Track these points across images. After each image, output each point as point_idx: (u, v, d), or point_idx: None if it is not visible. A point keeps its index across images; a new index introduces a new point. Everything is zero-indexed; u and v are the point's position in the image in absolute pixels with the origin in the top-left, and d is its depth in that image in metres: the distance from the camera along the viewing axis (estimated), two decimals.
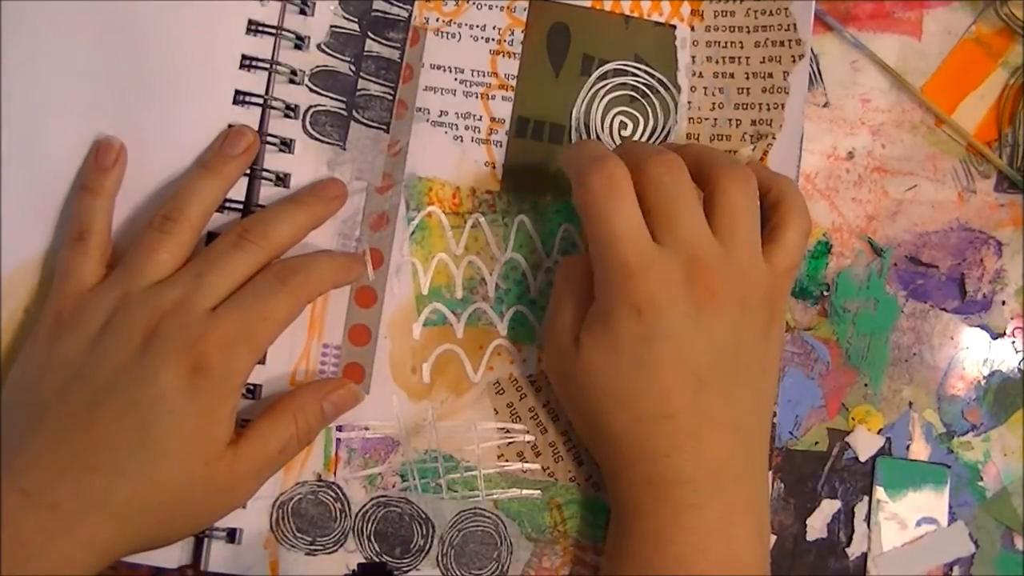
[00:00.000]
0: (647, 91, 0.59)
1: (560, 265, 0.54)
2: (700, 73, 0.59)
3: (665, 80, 0.59)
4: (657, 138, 0.59)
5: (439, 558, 0.55)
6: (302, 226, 0.55)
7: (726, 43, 0.59)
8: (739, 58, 0.59)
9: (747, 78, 0.59)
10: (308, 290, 0.53)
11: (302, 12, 0.58)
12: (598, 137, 0.59)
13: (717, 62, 0.59)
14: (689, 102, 0.59)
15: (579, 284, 0.52)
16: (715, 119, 0.59)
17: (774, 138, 0.58)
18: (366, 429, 0.56)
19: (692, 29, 0.59)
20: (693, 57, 0.59)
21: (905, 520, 0.57)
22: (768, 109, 0.58)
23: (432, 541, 0.56)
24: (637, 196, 0.50)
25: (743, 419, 0.51)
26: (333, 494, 0.56)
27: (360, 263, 0.57)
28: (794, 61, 0.58)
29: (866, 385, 0.58)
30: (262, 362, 0.56)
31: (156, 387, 0.48)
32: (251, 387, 0.56)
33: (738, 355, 0.50)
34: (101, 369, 0.49)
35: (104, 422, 0.48)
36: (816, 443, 0.58)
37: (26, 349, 0.52)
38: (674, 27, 0.59)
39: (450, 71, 0.59)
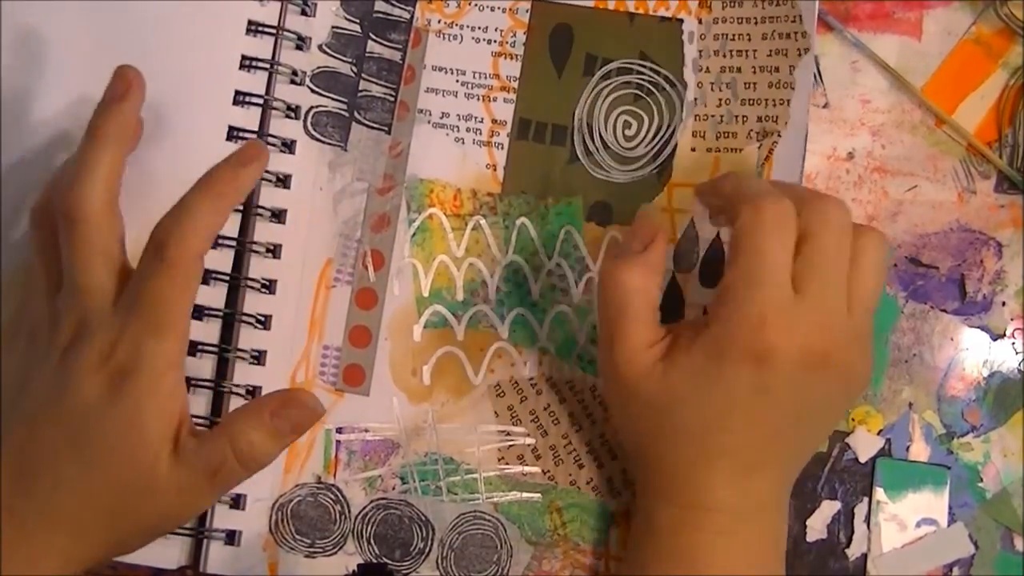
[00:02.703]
0: (652, 89, 0.58)
1: (619, 272, 0.50)
2: (707, 68, 0.58)
3: (671, 76, 0.58)
4: (661, 137, 0.57)
5: (439, 561, 0.54)
6: (217, 223, 0.48)
7: (734, 35, 0.58)
8: (746, 51, 0.58)
9: (754, 72, 0.58)
10: (186, 252, 0.47)
11: (303, 13, 0.57)
12: (601, 137, 0.57)
13: (724, 55, 0.58)
14: (695, 98, 0.58)
15: (646, 298, 0.50)
16: (721, 116, 0.57)
17: (779, 136, 0.56)
18: (366, 431, 0.55)
19: (699, 22, 0.58)
20: (700, 51, 0.58)
21: (905, 521, 0.56)
22: (774, 105, 0.57)
23: (432, 544, 0.55)
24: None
25: (793, 462, 0.51)
26: (333, 496, 0.55)
27: (236, 165, 0.49)
28: (800, 54, 0.56)
29: None
30: (262, 364, 0.55)
31: (78, 398, 0.46)
32: (251, 388, 0.54)
33: (822, 413, 0.51)
34: (35, 382, 0.47)
35: (42, 433, 0.46)
36: None
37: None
38: (681, 21, 0.58)
39: (452, 73, 0.58)
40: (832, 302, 0.48)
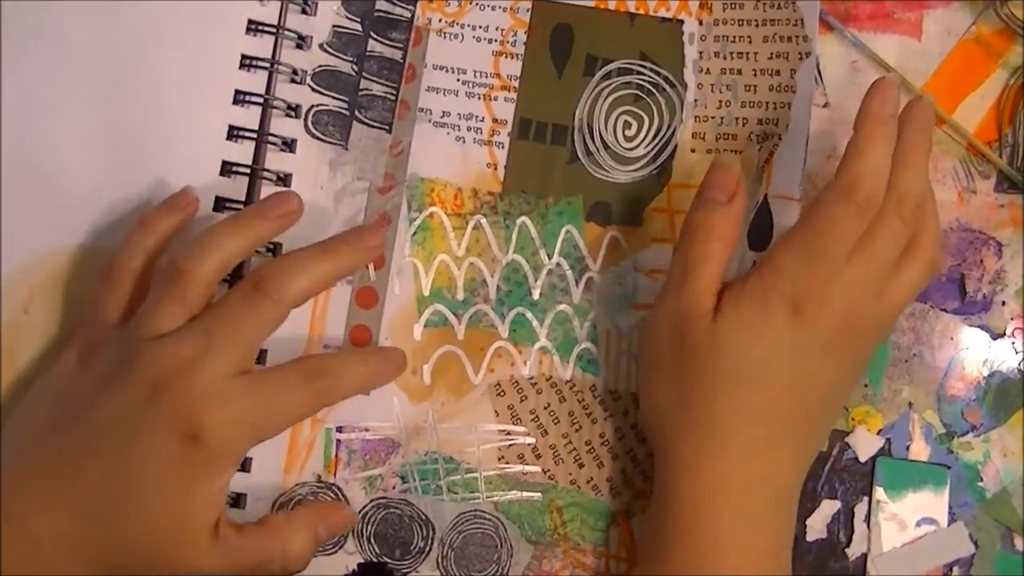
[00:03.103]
0: (652, 89, 0.58)
1: (708, 219, 0.51)
2: (707, 69, 0.57)
3: (671, 77, 0.57)
4: (662, 138, 0.57)
5: (439, 560, 0.54)
6: (325, 279, 0.50)
7: (734, 37, 0.57)
8: (747, 53, 0.57)
9: (755, 75, 0.57)
10: (332, 396, 0.50)
11: (304, 12, 0.57)
12: (602, 137, 0.57)
13: (725, 57, 0.57)
14: (696, 100, 0.57)
15: (727, 244, 0.51)
16: (721, 118, 0.57)
17: (780, 139, 0.56)
18: (366, 430, 0.55)
19: (700, 23, 0.58)
20: (700, 53, 0.57)
21: (905, 520, 0.55)
22: (775, 108, 0.57)
23: (432, 543, 0.54)
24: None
25: (813, 448, 0.52)
26: (333, 495, 0.55)
27: (395, 365, 0.54)
28: (801, 58, 0.56)
29: (866, 385, 0.56)
30: (261, 362, 0.54)
31: (149, 445, 0.45)
32: None
33: (834, 396, 0.51)
34: (101, 412, 0.46)
35: (91, 467, 0.45)
36: None
37: (51, 371, 0.50)
38: (681, 22, 0.58)
39: (453, 72, 0.58)
40: (872, 284, 0.49)
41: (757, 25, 0.57)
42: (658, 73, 0.57)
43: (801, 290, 0.48)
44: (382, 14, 0.57)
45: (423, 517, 0.54)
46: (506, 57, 0.57)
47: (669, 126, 0.57)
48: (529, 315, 0.56)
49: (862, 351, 0.50)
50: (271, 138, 0.55)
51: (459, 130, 0.57)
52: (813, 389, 0.49)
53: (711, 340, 0.49)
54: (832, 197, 0.48)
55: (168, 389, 0.45)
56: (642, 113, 0.57)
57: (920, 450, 0.56)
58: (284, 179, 0.55)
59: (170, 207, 0.52)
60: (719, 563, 0.47)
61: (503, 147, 0.57)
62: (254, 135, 0.55)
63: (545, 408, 0.55)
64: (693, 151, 0.56)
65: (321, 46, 0.56)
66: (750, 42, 0.57)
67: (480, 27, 0.57)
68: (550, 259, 0.56)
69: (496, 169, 0.57)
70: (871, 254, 0.48)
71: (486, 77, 0.57)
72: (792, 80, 0.56)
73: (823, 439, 0.54)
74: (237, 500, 0.53)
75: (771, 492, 0.49)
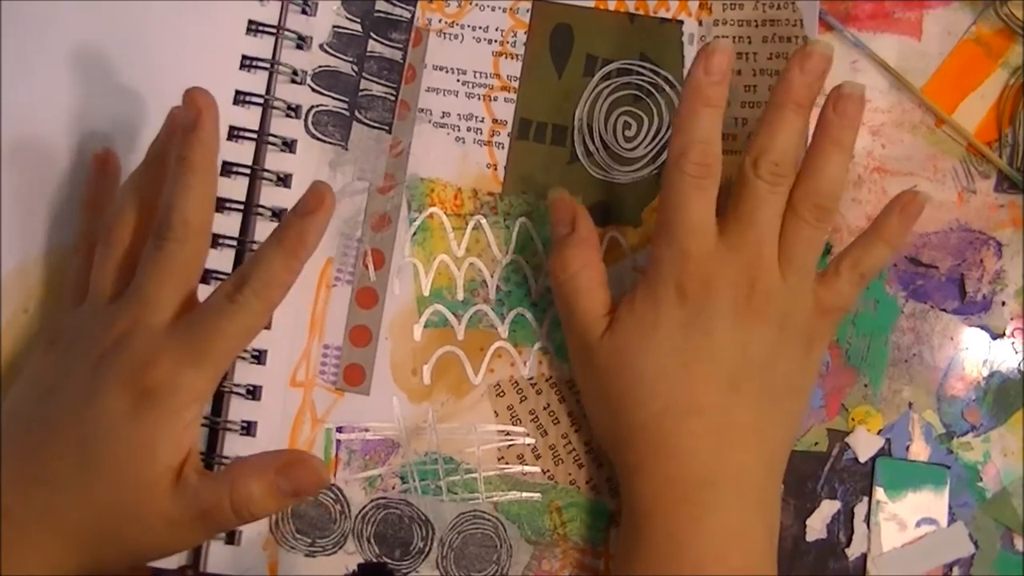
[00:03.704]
0: (652, 90, 0.57)
1: (557, 260, 0.52)
2: None
3: (671, 78, 0.57)
4: (661, 138, 0.57)
5: (439, 560, 0.54)
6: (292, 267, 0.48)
7: (734, 38, 0.57)
8: (747, 54, 0.57)
9: (754, 75, 0.57)
10: (263, 300, 0.47)
11: (304, 12, 0.57)
12: (601, 138, 0.57)
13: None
14: None
15: (590, 268, 0.52)
16: None
17: None
18: (366, 431, 0.55)
19: (700, 24, 0.57)
20: None
21: (905, 521, 0.55)
22: None
23: (432, 543, 0.54)
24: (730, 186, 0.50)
25: (768, 431, 0.50)
26: (333, 496, 0.54)
27: (309, 214, 0.47)
28: None
29: (866, 386, 0.56)
30: (262, 363, 0.54)
31: (101, 408, 0.45)
32: (251, 388, 0.54)
33: (771, 372, 0.50)
34: (60, 386, 0.47)
35: (53, 436, 0.46)
36: (816, 444, 0.56)
37: (28, 360, 0.51)
38: (681, 22, 0.57)
39: (452, 72, 0.57)
40: (753, 248, 0.49)
41: (756, 25, 0.57)
42: (658, 74, 0.57)
43: (680, 271, 0.49)
44: (382, 14, 0.57)
45: (423, 517, 0.54)
46: (506, 57, 0.57)
47: (669, 126, 0.57)
48: (529, 315, 0.55)
49: (773, 317, 0.49)
50: (271, 138, 0.55)
51: (459, 130, 0.56)
52: (740, 368, 0.49)
53: (613, 355, 0.50)
54: (666, 173, 0.50)
55: (113, 351, 0.46)
56: (642, 113, 0.57)
57: (920, 450, 0.55)
58: (284, 179, 0.55)
59: (95, 177, 0.53)
60: (679, 563, 0.47)
61: (503, 147, 0.56)
62: (254, 135, 0.55)
63: (545, 408, 0.55)
64: None
65: (321, 46, 0.56)
66: (750, 42, 0.57)
67: (480, 27, 0.57)
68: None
69: (496, 169, 0.56)
70: (737, 219, 0.49)
71: (486, 77, 0.57)
72: None
73: (785, 422, 0.52)
74: None
75: (729, 483, 0.48)
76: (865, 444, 0.55)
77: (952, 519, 0.55)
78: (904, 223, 0.51)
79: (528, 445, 0.55)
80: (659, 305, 0.49)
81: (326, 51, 0.56)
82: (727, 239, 0.49)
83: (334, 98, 0.56)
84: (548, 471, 0.54)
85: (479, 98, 0.57)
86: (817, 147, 0.50)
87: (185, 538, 0.48)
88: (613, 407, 0.50)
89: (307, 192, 0.47)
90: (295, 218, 0.47)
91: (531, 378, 0.55)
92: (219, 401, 0.53)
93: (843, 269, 0.51)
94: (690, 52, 0.57)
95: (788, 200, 0.50)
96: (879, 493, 0.55)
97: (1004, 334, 0.56)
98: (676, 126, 0.49)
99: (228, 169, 0.54)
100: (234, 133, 0.55)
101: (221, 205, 0.54)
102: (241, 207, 0.54)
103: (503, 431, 0.55)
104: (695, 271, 0.48)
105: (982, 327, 0.56)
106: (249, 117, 0.55)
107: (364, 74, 0.56)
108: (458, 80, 0.57)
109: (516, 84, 0.57)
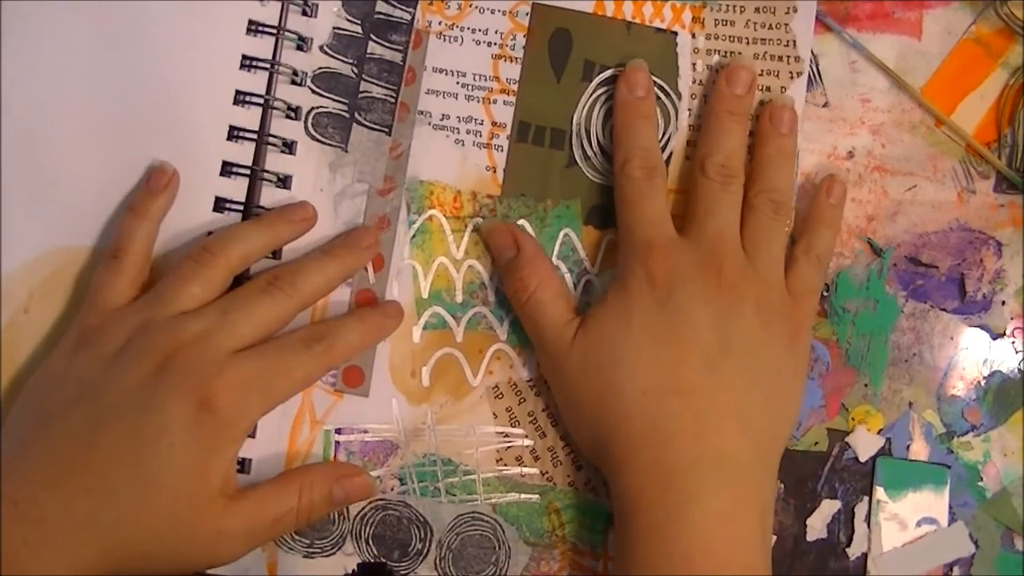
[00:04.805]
0: None
1: (511, 284, 0.53)
2: (701, 81, 0.56)
3: (666, 87, 0.56)
4: (658, 145, 0.56)
5: (437, 562, 0.54)
6: (332, 278, 0.53)
7: (726, 52, 0.56)
8: None
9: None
10: (332, 357, 0.51)
11: (304, 13, 0.56)
12: (599, 142, 0.56)
13: (718, 71, 0.56)
14: (689, 110, 0.56)
15: (547, 284, 0.53)
16: None
17: None
18: (365, 432, 0.54)
19: (693, 36, 0.57)
20: (694, 64, 0.56)
21: (905, 520, 0.55)
22: None
23: (430, 545, 0.54)
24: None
25: (751, 413, 0.49)
26: None
27: (391, 318, 0.54)
28: (792, 78, 0.56)
29: (866, 385, 0.56)
30: None
31: (161, 417, 0.46)
32: None
33: (752, 354, 0.49)
34: (111, 390, 0.47)
35: (103, 444, 0.46)
36: (816, 443, 0.55)
37: (48, 359, 0.51)
38: (675, 34, 0.56)
39: (452, 75, 0.57)
40: (717, 241, 0.51)
41: (748, 43, 0.56)
42: (653, 82, 0.56)
43: (646, 258, 0.50)
44: (382, 16, 0.56)
45: (421, 519, 0.54)
46: (505, 60, 0.56)
47: (664, 134, 0.56)
48: None
49: (748, 298, 0.50)
50: (271, 139, 0.55)
51: (458, 133, 0.56)
52: (717, 346, 0.49)
53: (589, 351, 0.50)
54: (615, 179, 0.53)
55: (178, 361, 0.47)
56: None
57: (920, 450, 0.55)
58: (284, 181, 0.55)
59: (153, 189, 0.52)
60: (668, 556, 0.46)
61: (502, 150, 0.56)
62: (254, 136, 0.54)
63: (543, 410, 0.54)
64: (688, 159, 0.55)
65: (321, 48, 0.56)
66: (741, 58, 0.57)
67: (480, 30, 0.56)
68: None
69: (495, 172, 0.56)
70: (695, 216, 0.51)
71: (485, 80, 0.56)
72: (782, 98, 0.55)
73: (772, 408, 0.50)
74: None
75: (712, 468, 0.47)
76: (865, 444, 0.55)
77: (952, 519, 0.55)
78: (835, 206, 0.54)
79: (527, 447, 0.54)
80: (630, 293, 0.50)
81: (326, 52, 0.56)
82: (688, 234, 0.51)
83: (334, 100, 0.56)
84: (547, 473, 0.54)
85: (478, 101, 0.56)
86: (760, 153, 0.53)
87: (235, 549, 0.48)
88: (592, 407, 0.50)
89: (392, 303, 0.54)
90: (378, 310, 0.54)
91: (530, 380, 0.55)
92: None
93: (799, 255, 0.53)
94: (684, 63, 0.56)
95: (744, 200, 0.52)
96: (879, 493, 0.55)
97: (1004, 334, 0.56)
98: (614, 138, 0.54)
99: (228, 169, 0.54)
100: (234, 133, 0.54)
101: (221, 205, 0.54)
102: (241, 207, 0.54)
103: (502, 433, 0.54)
104: (661, 257, 0.50)
105: (982, 327, 0.56)
106: (249, 117, 0.54)
107: (364, 76, 0.56)
108: (458, 82, 0.56)
109: (515, 87, 0.56)
